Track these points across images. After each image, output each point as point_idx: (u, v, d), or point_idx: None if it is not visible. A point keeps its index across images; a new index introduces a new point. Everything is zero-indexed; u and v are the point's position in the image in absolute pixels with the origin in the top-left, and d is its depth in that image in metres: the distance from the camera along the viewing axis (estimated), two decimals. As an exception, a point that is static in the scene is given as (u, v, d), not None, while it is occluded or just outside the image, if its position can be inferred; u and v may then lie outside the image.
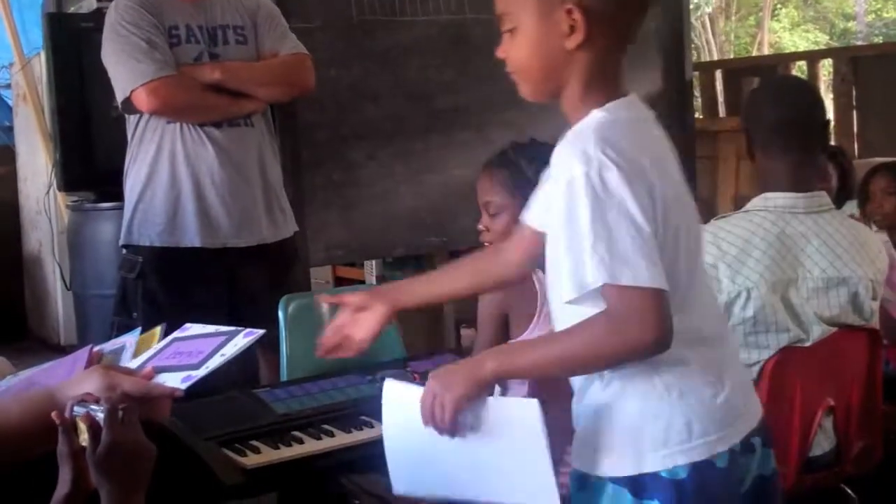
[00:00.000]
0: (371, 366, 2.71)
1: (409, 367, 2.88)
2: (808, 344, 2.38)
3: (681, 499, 1.55)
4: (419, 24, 4.17)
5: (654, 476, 1.56)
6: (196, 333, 1.99)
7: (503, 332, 2.31)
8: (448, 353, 2.97)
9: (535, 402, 1.59)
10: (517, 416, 1.60)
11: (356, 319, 1.92)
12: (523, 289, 2.27)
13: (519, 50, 1.58)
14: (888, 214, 3.67)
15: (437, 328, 4.65)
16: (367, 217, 4.07)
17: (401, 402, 1.69)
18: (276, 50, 3.23)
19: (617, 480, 1.59)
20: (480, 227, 2.40)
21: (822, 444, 2.46)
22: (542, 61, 1.56)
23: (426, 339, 4.51)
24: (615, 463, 1.59)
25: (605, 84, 1.58)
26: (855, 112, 5.52)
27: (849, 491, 2.65)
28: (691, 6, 16.32)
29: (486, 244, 2.39)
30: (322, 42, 3.84)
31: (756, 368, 2.33)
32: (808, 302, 2.39)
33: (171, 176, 3.12)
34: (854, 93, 5.47)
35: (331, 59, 3.88)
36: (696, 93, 5.75)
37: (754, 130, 2.49)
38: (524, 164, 2.34)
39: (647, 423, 1.57)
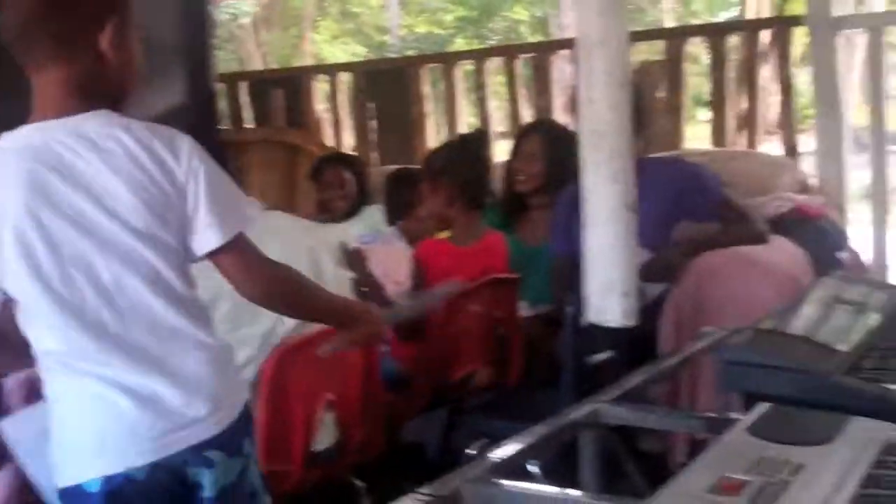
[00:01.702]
0: None
1: None
2: (282, 330, 2.51)
3: None
4: None
5: (76, 488, 1.63)
6: None
7: None
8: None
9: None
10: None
11: None
12: None
13: None
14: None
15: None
16: None
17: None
18: None
19: (59, 493, 1.67)
20: None
21: (326, 438, 2.59)
22: None
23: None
24: (55, 474, 1.67)
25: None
26: (375, 122, 5.84)
27: (356, 481, 2.81)
28: (227, 16, 16.46)
29: None
30: None
31: (252, 368, 2.41)
32: None
33: None
34: (370, 104, 5.80)
35: None
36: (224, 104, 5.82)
37: None
38: None
39: (65, 435, 1.64)
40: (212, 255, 1.71)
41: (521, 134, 4.07)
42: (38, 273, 1.59)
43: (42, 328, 1.64)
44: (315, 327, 2.36)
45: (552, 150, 3.76)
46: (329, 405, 2.56)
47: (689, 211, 3.53)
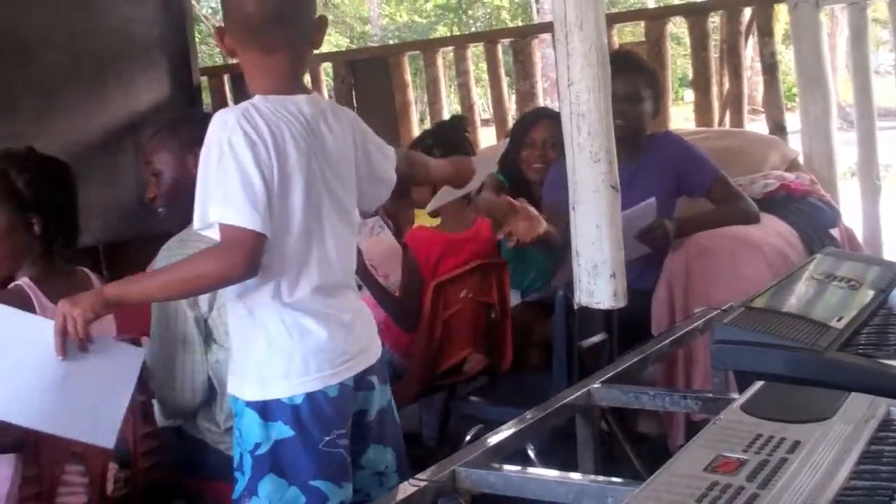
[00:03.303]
0: None
1: None
2: None
3: (298, 419, 1.93)
4: None
5: (277, 402, 1.93)
6: None
7: None
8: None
9: (141, 350, 2.12)
10: (121, 359, 2.06)
11: None
12: None
13: None
14: None
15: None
16: None
17: (10, 326, 1.98)
18: None
19: (251, 404, 1.95)
20: None
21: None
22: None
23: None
24: (250, 391, 1.96)
25: (270, 82, 1.93)
26: (355, 111, 5.82)
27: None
28: (209, 10, 16.41)
29: None
30: None
31: None
32: None
33: None
34: (353, 93, 5.78)
35: None
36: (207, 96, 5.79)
37: None
38: (13, 175, 2.26)
39: (273, 359, 1.93)
40: None
41: (527, 122, 4.04)
42: (304, 218, 1.91)
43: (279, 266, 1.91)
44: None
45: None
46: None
47: (684, 187, 3.54)
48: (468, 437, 2.93)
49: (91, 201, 4.37)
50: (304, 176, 1.90)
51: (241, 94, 5.89)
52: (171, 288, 1.91)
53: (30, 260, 2.29)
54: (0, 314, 1.99)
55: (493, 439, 1.73)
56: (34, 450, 2.15)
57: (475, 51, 5.91)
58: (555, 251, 3.45)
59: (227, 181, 1.80)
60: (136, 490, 2.35)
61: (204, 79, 5.25)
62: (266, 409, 1.94)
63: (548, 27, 5.40)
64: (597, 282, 2.54)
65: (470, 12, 21.53)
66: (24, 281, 2.26)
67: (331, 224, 1.97)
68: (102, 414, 2.04)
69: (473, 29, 20.37)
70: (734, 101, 5.08)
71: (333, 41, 21.21)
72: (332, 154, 1.97)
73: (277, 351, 1.93)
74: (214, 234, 1.85)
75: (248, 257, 1.80)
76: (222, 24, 1.98)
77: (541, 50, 5.71)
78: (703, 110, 5.10)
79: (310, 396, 1.93)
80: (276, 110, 1.89)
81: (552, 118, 3.85)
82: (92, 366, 1.98)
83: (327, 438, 1.96)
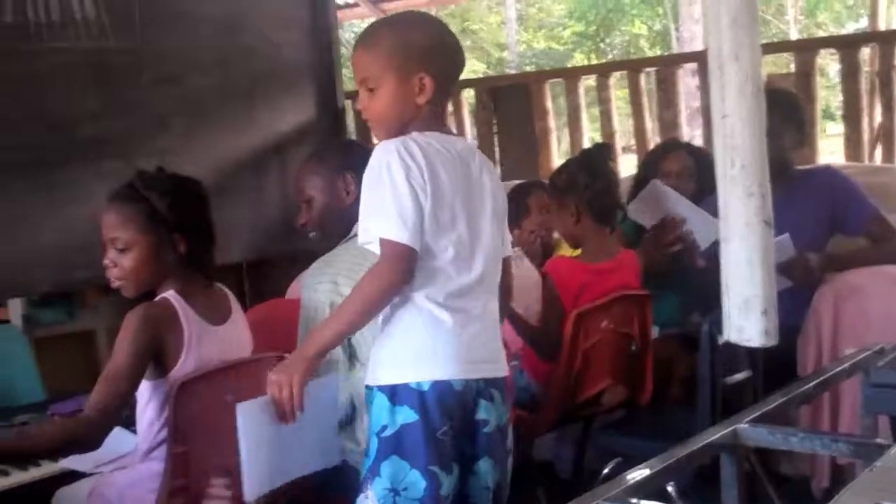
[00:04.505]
0: (7, 410, 2.59)
1: (50, 409, 2.76)
2: None
3: (423, 405, 2.03)
4: (58, 51, 4.01)
5: (405, 386, 2.04)
6: None
7: (145, 364, 2.27)
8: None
9: (333, 378, 2.31)
10: (321, 392, 2.18)
11: None
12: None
13: (378, 103, 2.08)
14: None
15: (90, 366, 4.47)
16: (6, 253, 3.85)
17: (253, 414, 2.05)
18: None
19: (381, 388, 2.06)
20: (107, 262, 2.35)
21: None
22: (397, 111, 2.07)
23: (78, 378, 4.32)
24: (380, 375, 2.07)
25: (432, 124, 2.09)
26: (496, 137, 5.86)
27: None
28: (351, 36, 16.72)
29: (114, 281, 2.35)
30: (-49, 69, 3.61)
31: None
32: None
33: None
34: (494, 120, 5.81)
35: (-40, 87, 3.65)
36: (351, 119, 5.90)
37: None
38: (155, 199, 2.32)
39: (406, 346, 2.05)
40: None
41: (662, 152, 4.00)
42: (454, 235, 2.06)
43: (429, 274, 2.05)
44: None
45: (700, 167, 3.71)
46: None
47: (840, 223, 3.44)
48: (606, 471, 2.89)
49: (236, 220, 4.52)
50: (452, 197, 2.05)
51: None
52: (354, 319, 2.06)
53: (172, 276, 2.37)
54: (243, 410, 2.07)
55: (634, 475, 1.69)
56: (184, 462, 2.22)
57: (613, 80, 5.85)
58: (693, 284, 3.40)
59: (384, 200, 1.98)
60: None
61: (347, 102, 5.33)
62: (395, 393, 2.05)
63: (693, 57, 5.34)
64: (748, 318, 2.48)
65: (608, 40, 21.43)
66: (170, 294, 2.34)
67: (475, 242, 2.10)
68: (324, 440, 2.24)
69: (610, 56, 20.26)
70: (886, 136, 4.92)
71: (470, 67, 21.39)
72: (477, 189, 2.13)
73: (411, 339, 2.06)
74: (375, 248, 2.02)
75: (403, 269, 1.99)
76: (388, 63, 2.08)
77: (683, 79, 5.64)
78: (852, 144, 4.96)
79: (436, 384, 2.04)
80: (430, 143, 2.06)
81: (686, 149, 3.81)
82: (307, 411, 2.09)
83: (444, 428, 2.06)
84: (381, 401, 2.07)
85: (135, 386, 2.23)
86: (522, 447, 2.91)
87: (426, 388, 2.04)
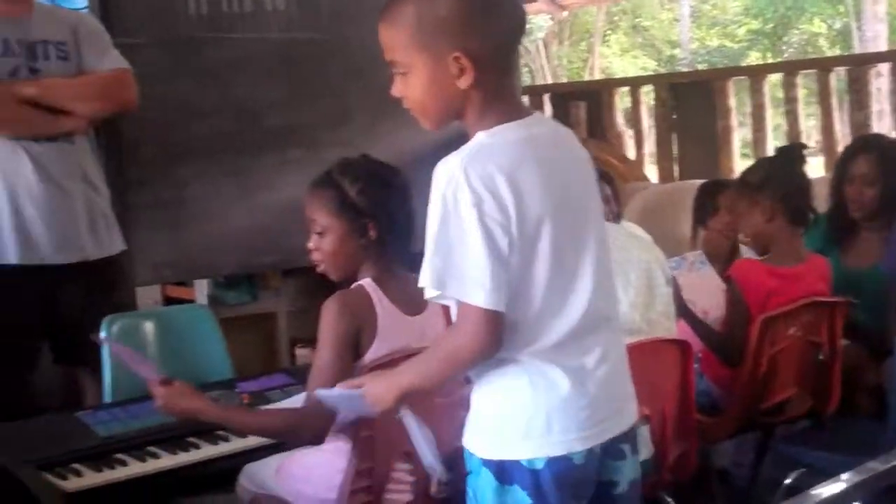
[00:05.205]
0: (198, 387, 2.67)
1: (237, 387, 2.85)
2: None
3: (538, 486, 1.71)
4: (248, 41, 4.14)
5: (516, 464, 1.71)
6: None
7: (350, 351, 2.29)
8: (281, 373, 2.95)
9: None
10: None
11: None
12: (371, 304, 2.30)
13: (414, 91, 1.71)
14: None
15: (271, 347, 4.61)
16: (196, 236, 4.00)
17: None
18: (97, 66, 3.17)
19: (487, 463, 1.74)
20: (310, 245, 2.41)
21: (641, 452, 2.55)
22: (438, 100, 1.70)
23: (259, 358, 4.47)
24: (485, 447, 1.74)
25: (496, 109, 1.70)
26: (675, 135, 5.76)
27: (668, 499, 2.76)
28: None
29: (318, 264, 2.40)
30: (148, 58, 3.76)
31: None
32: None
33: None
34: (674, 117, 5.71)
35: (157, 75, 3.80)
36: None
37: None
38: (347, 185, 2.35)
39: (513, 414, 1.71)
40: None
41: (850, 154, 3.83)
42: (551, 261, 1.68)
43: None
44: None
45: (887, 171, 3.52)
46: (643, 418, 2.51)
47: None
48: (787, 481, 2.81)
49: (419, 209, 4.56)
50: (542, 210, 1.66)
51: (559, 113, 5.97)
52: (435, 381, 1.79)
53: (368, 263, 2.39)
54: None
55: (823, 490, 1.61)
56: (370, 445, 2.25)
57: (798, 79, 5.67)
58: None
59: (452, 250, 1.63)
60: (458, 494, 2.40)
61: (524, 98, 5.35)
62: (503, 471, 1.73)
63: (886, 56, 5.12)
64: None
65: (785, 38, 20.80)
66: (365, 281, 2.36)
67: (578, 262, 1.73)
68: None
69: (786, 55, 19.64)
70: None
71: (641, 63, 21.11)
72: (571, 174, 1.75)
73: (517, 405, 1.71)
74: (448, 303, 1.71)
75: (488, 338, 1.64)
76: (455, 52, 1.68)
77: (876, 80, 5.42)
78: None
79: (552, 461, 1.70)
80: (504, 145, 1.67)
81: (875, 152, 3.59)
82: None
83: None
84: (487, 478, 1.74)
85: (344, 375, 2.22)
86: (701, 453, 2.84)
87: (540, 466, 1.70)
